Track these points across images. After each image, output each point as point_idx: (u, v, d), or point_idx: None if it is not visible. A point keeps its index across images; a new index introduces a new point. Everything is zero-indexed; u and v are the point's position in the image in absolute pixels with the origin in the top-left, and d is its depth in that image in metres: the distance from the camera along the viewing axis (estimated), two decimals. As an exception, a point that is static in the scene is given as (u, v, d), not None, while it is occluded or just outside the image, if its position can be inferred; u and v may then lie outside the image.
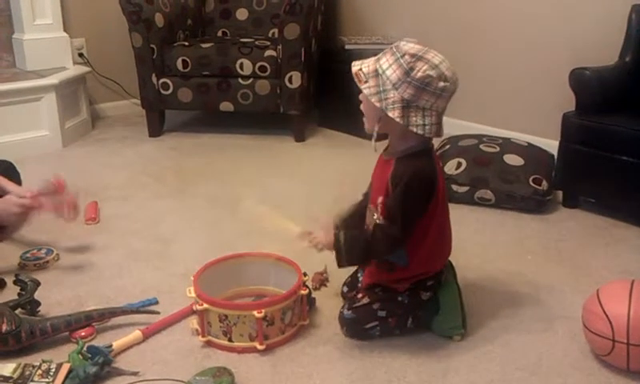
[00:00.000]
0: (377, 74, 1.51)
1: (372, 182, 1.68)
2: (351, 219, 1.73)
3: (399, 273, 1.63)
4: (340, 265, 1.61)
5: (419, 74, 1.46)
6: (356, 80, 1.53)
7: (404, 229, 1.54)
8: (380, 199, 1.58)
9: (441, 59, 1.49)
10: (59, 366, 1.48)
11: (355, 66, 1.54)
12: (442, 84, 1.47)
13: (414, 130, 1.50)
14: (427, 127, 1.50)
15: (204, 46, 3.41)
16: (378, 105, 1.50)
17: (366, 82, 1.51)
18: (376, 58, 1.54)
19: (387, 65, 1.49)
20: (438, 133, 1.54)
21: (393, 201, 1.53)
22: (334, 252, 1.60)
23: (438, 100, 1.49)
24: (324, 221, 1.67)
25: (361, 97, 1.57)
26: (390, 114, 1.48)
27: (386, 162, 1.60)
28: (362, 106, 1.59)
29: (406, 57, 1.47)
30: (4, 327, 1.56)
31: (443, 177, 1.63)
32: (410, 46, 1.49)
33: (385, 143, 1.65)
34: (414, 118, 1.49)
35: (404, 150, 1.57)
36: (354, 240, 1.60)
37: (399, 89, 1.47)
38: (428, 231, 1.59)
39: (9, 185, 2.14)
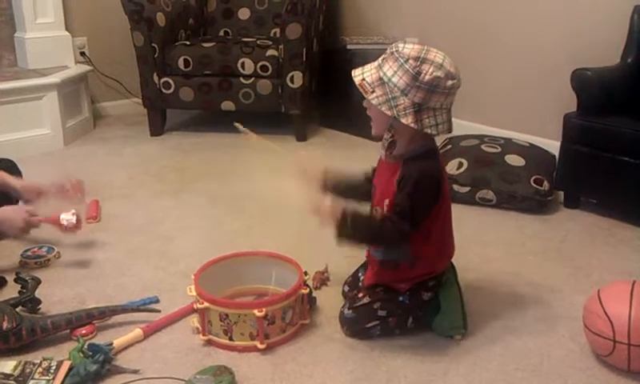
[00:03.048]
0: (382, 82, 1.49)
1: (375, 185, 1.67)
2: (343, 188, 1.73)
3: (404, 272, 1.62)
4: (339, 238, 1.55)
5: (427, 77, 1.45)
6: (361, 91, 1.51)
7: (412, 225, 1.53)
8: (387, 201, 1.57)
9: (443, 56, 1.48)
10: (60, 363, 1.48)
11: (357, 77, 1.53)
12: (449, 82, 1.47)
13: (428, 130, 1.50)
14: (440, 126, 1.51)
15: (205, 45, 3.41)
16: (389, 113, 1.49)
17: (372, 91, 1.50)
18: (376, 64, 1.53)
19: (392, 72, 1.48)
20: (450, 129, 1.54)
21: (401, 200, 1.52)
22: (336, 224, 1.54)
23: (447, 98, 1.50)
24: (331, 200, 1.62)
25: (366, 104, 1.55)
26: (404, 121, 1.48)
27: (392, 166, 1.59)
28: (369, 112, 1.58)
29: (410, 61, 1.46)
30: (5, 325, 1.56)
31: (447, 177, 1.63)
32: (410, 48, 1.48)
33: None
34: (427, 120, 1.49)
35: (410, 152, 1.56)
36: (361, 218, 1.58)
37: (409, 94, 1.47)
38: (433, 231, 1.59)
39: (16, 182, 2.16)
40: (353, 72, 1.54)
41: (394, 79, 1.48)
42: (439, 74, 1.46)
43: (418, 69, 1.46)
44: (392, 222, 1.54)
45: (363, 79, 1.51)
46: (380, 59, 1.53)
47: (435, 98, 1.48)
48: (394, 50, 1.50)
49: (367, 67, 1.54)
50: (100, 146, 3.43)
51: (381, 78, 1.50)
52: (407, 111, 1.47)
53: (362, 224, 1.59)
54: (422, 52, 1.47)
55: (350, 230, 1.55)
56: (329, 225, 1.55)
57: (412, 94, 1.47)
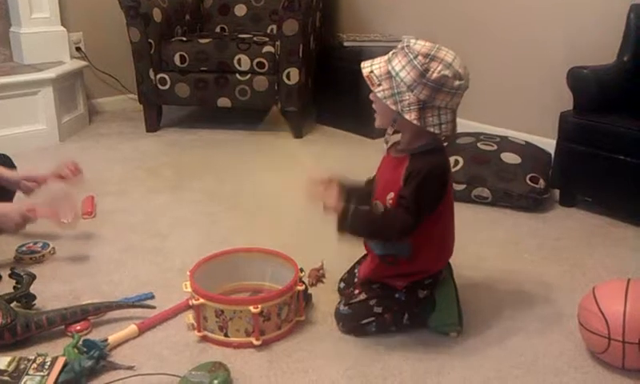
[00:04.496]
0: (389, 75, 1.49)
1: (378, 178, 1.67)
2: (347, 190, 1.69)
3: (403, 267, 1.62)
4: (340, 230, 1.56)
5: (435, 75, 1.45)
6: (368, 83, 1.52)
7: (416, 219, 1.53)
8: (391, 195, 1.57)
9: (453, 56, 1.48)
10: (54, 359, 1.48)
11: (365, 69, 1.53)
12: (457, 83, 1.47)
13: (431, 129, 1.50)
14: (443, 126, 1.51)
15: (202, 41, 3.40)
16: (393, 108, 1.49)
17: (379, 84, 1.50)
18: (386, 58, 1.53)
19: (400, 66, 1.48)
20: (454, 130, 1.54)
21: (408, 194, 1.52)
22: (336, 217, 1.55)
23: (453, 98, 1.50)
24: (335, 185, 1.60)
25: (372, 97, 1.55)
26: (407, 117, 1.48)
27: (398, 160, 1.59)
28: (374, 106, 1.58)
29: (420, 58, 1.46)
30: (-1, 320, 1.55)
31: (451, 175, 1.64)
32: (420, 45, 1.48)
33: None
34: (431, 118, 1.49)
35: (419, 147, 1.56)
36: (362, 212, 1.57)
37: (415, 90, 1.47)
38: (435, 228, 1.59)
39: (13, 174, 2.15)
40: (362, 64, 1.54)
41: (402, 74, 1.48)
42: (447, 73, 1.46)
43: (426, 66, 1.46)
44: (394, 214, 1.54)
45: (371, 71, 1.52)
46: (390, 53, 1.53)
47: (441, 96, 1.47)
48: (404, 44, 1.50)
49: (377, 60, 1.54)
50: (95, 142, 3.42)
51: (389, 72, 1.50)
52: (411, 107, 1.47)
53: (364, 216, 1.59)
54: (433, 50, 1.47)
55: (351, 222, 1.55)
56: (330, 212, 1.56)
57: (418, 90, 1.47)
